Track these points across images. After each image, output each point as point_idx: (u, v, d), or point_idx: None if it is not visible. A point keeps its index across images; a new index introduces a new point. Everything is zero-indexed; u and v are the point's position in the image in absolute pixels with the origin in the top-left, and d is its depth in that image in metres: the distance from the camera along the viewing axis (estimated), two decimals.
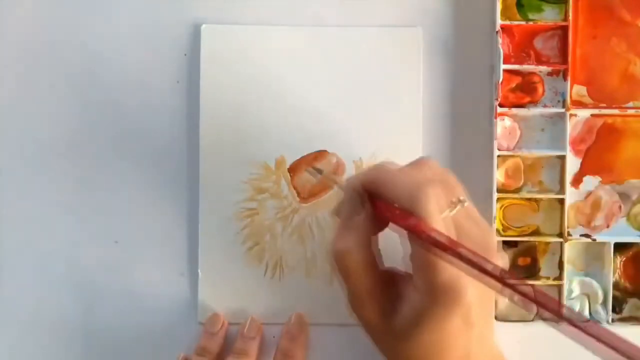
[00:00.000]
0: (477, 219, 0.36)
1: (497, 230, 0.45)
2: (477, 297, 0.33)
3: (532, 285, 0.30)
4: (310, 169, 0.45)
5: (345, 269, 0.36)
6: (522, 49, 0.45)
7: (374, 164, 0.40)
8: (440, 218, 0.33)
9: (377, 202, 0.36)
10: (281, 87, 0.45)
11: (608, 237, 0.45)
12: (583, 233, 0.45)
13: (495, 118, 0.44)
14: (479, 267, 0.31)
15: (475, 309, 0.34)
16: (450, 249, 0.32)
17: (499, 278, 0.31)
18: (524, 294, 0.30)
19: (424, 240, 0.33)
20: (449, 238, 0.32)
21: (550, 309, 0.30)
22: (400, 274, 0.37)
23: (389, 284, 0.37)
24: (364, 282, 0.36)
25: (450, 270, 0.32)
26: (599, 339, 0.28)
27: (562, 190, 0.45)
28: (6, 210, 0.46)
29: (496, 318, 0.44)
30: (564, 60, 0.45)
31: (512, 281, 0.31)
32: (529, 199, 0.45)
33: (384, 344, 0.38)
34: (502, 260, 0.35)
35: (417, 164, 0.37)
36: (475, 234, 0.35)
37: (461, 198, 0.35)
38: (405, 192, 0.34)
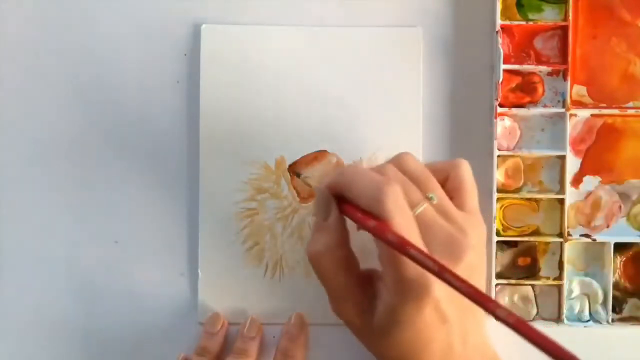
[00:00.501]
0: (451, 215, 0.36)
1: (497, 230, 0.45)
2: (447, 290, 0.33)
3: (465, 282, 0.31)
4: (294, 173, 0.45)
5: (320, 270, 0.37)
6: (522, 49, 0.45)
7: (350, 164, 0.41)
8: (400, 217, 0.33)
9: (342, 204, 0.36)
10: (281, 87, 0.45)
11: (608, 237, 0.45)
12: (583, 233, 0.45)
13: (495, 118, 0.44)
14: (423, 265, 0.32)
15: (446, 303, 0.34)
16: (399, 248, 0.32)
17: (437, 273, 0.31)
18: (458, 289, 0.31)
19: (381, 241, 0.33)
20: (400, 238, 0.33)
21: (483, 305, 0.30)
22: (377, 274, 0.38)
23: (367, 284, 0.37)
24: (339, 283, 0.37)
25: (415, 266, 0.33)
26: (520, 332, 0.30)
27: (562, 190, 0.45)
28: (6, 210, 0.46)
29: None
30: (564, 60, 0.45)
31: (447, 277, 0.31)
32: (529, 199, 0.45)
33: (367, 342, 0.38)
34: (476, 256, 0.35)
35: (389, 161, 0.38)
36: (443, 231, 0.35)
37: (429, 195, 0.35)
38: (366, 193, 0.34)
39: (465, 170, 0.38)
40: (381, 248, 0.35)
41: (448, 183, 0.38)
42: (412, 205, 0.35)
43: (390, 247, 0.33)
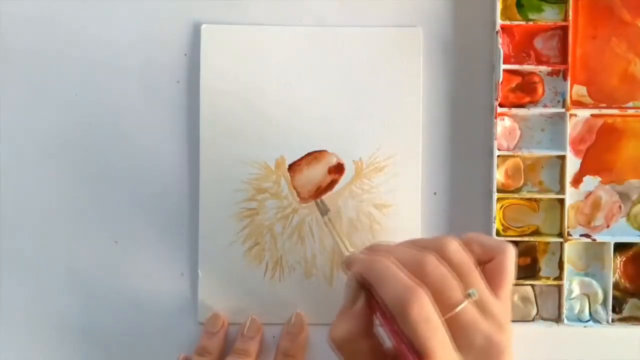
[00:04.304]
0: (489, 309, 0.34)
1: (497, 231, 0.45)
2: None
3: None
4: (319, 203, 0.44)
5: (342, 354, 0.36)
6: (522, 49, 0.45)
7: (374, 243, 0.38)
8: (424, 326, 0.32)
9: (369, 294, 0.36)
10: (281, 87, 0.45)
11: (608, 237, 0.45)
12: (583, 233, 0.45)
13: (495, 118, 0.44)
14: None
15: None
16: None
17: None
18: None
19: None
20: (404, 351, 0.33)
21: None
22: None
23: None
24: None
25: None
26: None
27: (562, 190, 0.45)
28: (6, 210, 0.46)
29: None
30: (564, 60, 0.45)
31: None
32: (529, 199, 0.45)
33: None
34: (510, 357, 0.34)
35: (433, 243, 0.36)
36: (481, 333, 0.34)
37: (469, 292, 0.34)
38: (392, 301, 0.33)
39: (511, 259, 0.37)
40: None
41: (490, 265, 0.37)
42: (450, 306, 0.34)
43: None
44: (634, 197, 0.45)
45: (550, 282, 0.45)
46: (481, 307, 0.34)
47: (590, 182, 0.45)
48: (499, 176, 0.45)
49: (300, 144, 0.45)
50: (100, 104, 0.46)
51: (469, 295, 0.34)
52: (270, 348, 0.45)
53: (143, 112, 0.46)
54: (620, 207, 0.45)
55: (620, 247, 0.45)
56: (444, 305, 0.33)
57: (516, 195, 0.45)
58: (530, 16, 0.45)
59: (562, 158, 0.45)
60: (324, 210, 0.43)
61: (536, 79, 0.45)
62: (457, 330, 0.33)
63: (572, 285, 0.45)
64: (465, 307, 0.34)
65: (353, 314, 0.36)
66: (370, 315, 0.36)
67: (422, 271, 0.34)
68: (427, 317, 0.32)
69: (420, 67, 0.45)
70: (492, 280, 0.36)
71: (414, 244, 0.36)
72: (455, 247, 0.35)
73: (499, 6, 0.44)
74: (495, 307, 0.35)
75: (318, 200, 0.45)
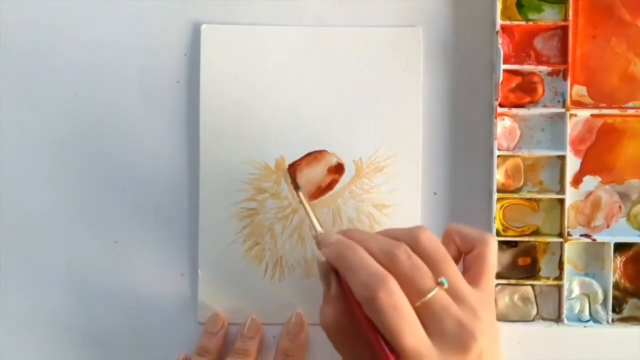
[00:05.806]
0: (463, 295, 0.34)
1: (497, 231, 0.45)
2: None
3: None
4: (294, 178, 0.44)
5: (331, 339, 0.36)
6: (522, 49, 0.45)
7: (348, 229, 0.39)
8: (392, 312, 0.32)
9: (341, 279, 0.36)
10: (281, 87, 0.45)
11: (608, 237, 0.45)
12: (583, 233, 0.45)
13: (495, 118, 0.44)
14: None
15: None
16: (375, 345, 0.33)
17: None
18: None
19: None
20: (373, 336, 0.33)
21: None
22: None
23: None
24: (349, 350, 0.36)
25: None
26: None
27: (562, 190, 0.45)
28: (6, 210, 0.46)
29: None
30: (564, 60, 0.45)
31: None
32: (529, 199, 0.45)
33: None
34: (487, 340, 0.34)
35: (407, 234, 0.36)
36: (452, 318, 0.33)
37: (440, 279, 0.34)
38: (360, 289, 0.33)
39: (492, 250, 0.37)
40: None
41: (471, 255, 0.37)
42: (421, 294, 0.33)
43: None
44: (634, 197, 0.45)
45: (550, 282, 0.45)
46: (454, 294, 0.34)
47: (590, 182, 0.45)
48: (499, 176, 0.45)
49: (300, 144, 0.45)
50: (100, 104, 0.46)
51: (440, 283, 0.34)
52: (270, 348, 0.45)
53: (143, 112, 0.46)
54: (620, 207, 0.45)
55: (620, 247, 0.45)
56: (415, 293, 0.33)
57: (516, 195, 0.45)
58: (530, 16, 0.45)
59: (562, 158, 0.45)
60: (297, 185, 0.43)
61: (536, 79, 0.45)
62: (429, 317, 0.33)
63: (572, 285, 0.45)
64: (437, 294, 0.34)
65: (332, 298, 0.36)
66: (342, 300, 0.36)
67: (393, 260, 0.34)
68: (395, 304, 0.33)
69: (420, 67, 0.45)
70: (473, 269, 0.36)
71: (386, 234, 0.36)
72: (427, 237, 0.36)
73: (499, 6, 0.44)
74: (470, 295, 0.35)
75: (291, 173, 0.44)
